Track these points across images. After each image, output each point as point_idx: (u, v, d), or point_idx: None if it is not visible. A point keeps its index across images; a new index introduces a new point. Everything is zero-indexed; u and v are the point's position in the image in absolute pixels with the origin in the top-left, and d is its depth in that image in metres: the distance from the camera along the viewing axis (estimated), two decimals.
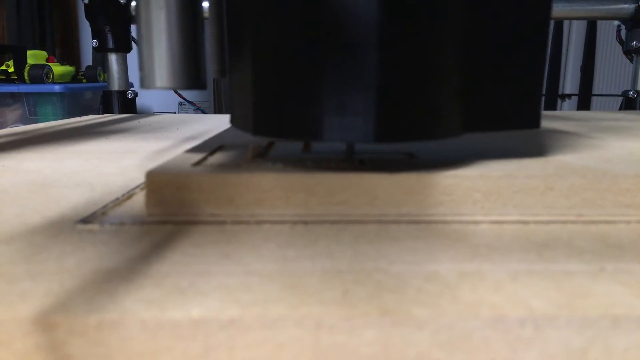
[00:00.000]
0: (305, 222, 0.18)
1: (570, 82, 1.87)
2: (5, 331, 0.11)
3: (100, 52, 0.67)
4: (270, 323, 0.11)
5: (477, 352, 0.11)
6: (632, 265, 0.14)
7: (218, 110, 1.82)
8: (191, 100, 0.91)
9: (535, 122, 0.21)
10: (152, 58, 0.19)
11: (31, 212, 0.19)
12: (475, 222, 0.18)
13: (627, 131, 0.37)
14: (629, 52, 0.71)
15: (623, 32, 0.72)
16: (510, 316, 0.11)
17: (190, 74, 0.19)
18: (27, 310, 0.11)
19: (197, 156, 0.22)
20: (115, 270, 0.13)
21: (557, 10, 0.69)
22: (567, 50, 1.86)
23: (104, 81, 1.53)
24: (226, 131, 0.34)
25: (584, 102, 1.87)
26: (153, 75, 0.19)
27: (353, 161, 0.21)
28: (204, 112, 0.98)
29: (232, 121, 0.22)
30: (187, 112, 1.57)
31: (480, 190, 0.18)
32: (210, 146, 0.25)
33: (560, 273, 0.13)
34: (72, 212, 0.19)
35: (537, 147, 0.25)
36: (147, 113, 0.69)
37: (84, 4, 0.65)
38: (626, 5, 0.68)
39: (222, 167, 0.20)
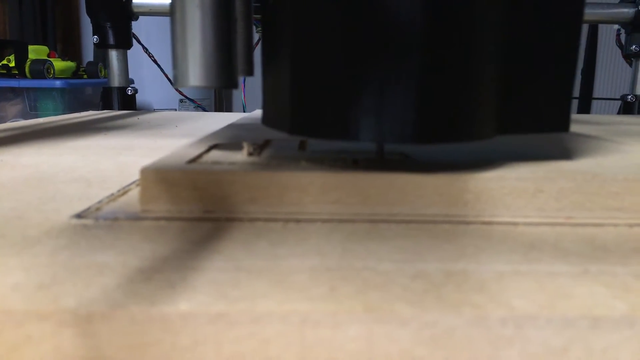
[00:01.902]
0: (298, 220, 0.18)
1: None
2: None
3: (101, 49, 0.67)
4: (256, 318, 0.11)
5: (459, 350, 0.11)
6: (615, 268, 0.14)
7: (218, 108, 1.82)
8: (191, 98, 0.92)
9: (564, 125, 0.22)
10: (186, 56, 0.19)
11: (27, 206, 0.19)
12: (466, 223, 0.18)
13: None
14: (628, 56, 0.71)
15: (623, 36, 0.72)
16: (491, 315, 0.11)
17: (224, 73, 0.20)
18: (18, 302, 0.11)
19: (193, 153, 0.22)
20: (107, 264, 0.13)
21: None
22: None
23: (105, 77, 1.53)
24: (223, 129, 0.34)
25: (585, 105, 1.87)
26: (187, 73, 0.19)
27: (346, 160, 0.21)
28: (204, 110, 0.99)
29: (264, 121, 0.23)
30: (187, 110, 1.58)
31: (471, 191, 0.19)
32: (206, 144, 0.25)
33: (545, 274, 0.13)
34: (67, 207, 0.19)
35: (538, 150, 0.25)
36: (147, 110, 0.69)
37: (86, 0, 0.65)
38: (626, 10, 0.68)
39: (217, 164, 0.20)
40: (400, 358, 0.11)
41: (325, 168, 0.19)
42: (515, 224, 0.18)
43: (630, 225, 0.18)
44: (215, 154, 0.22)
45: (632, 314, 0.11)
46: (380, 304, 0.12)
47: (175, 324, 0.11)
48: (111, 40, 0.66)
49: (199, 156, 0.22)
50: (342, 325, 0.11)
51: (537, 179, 0.18)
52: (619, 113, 0.73)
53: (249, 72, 0.25)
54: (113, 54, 0.68)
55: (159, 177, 0.18)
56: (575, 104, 1.89)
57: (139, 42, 0.70)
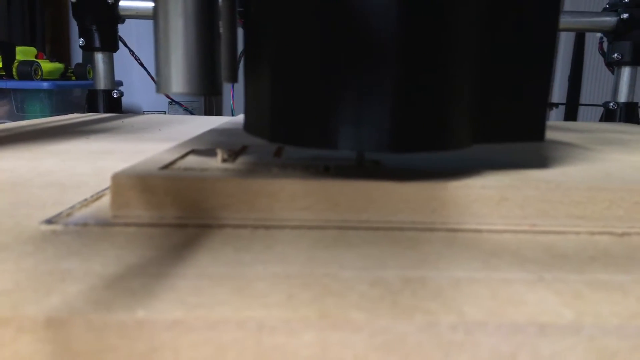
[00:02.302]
0: (267, 227, 0.18)
1: (558, 91, 1.90)
2: None
3: (87, 51, 0.67)
4: (213, 324, 0.11)
5: (411, 356, 0.12)
6: (570, 275, 0.14)
7: (208, 111, 1.82)
8: (179, 101, 0.91)
9: (539, 135, 0.22)
10: (169, 64, 0.19)
11: None
12: (431, 230, 0.18)
13: (626, 144, 0.38)
14: (610, 64, 0.73)
15: (606, 45, 0.74)
16: (442, 321, 0.12)
17: (206, 80, 0.20)
18: None
19: (167, 159, 0.22)
20: (70, 271, 0.14)
21: None
22: (555, 60, 1.88)
23: None
24: (204, 134, 0.34)
25: (571, 111, 1.89)
26: (170, 80, 0.20)
27: (318, 167, 0.21)
28: (192, 113, 0.99)
29: (245, 127, 0.23)
30: (176, 112, 1.57)
31: (438, 198, 0.19)
32: (184, 149, 0.25)
33: (499, 281, 0.14)
34: (39, 212, 0.19)
35: (514, 158, 0.25)
36: (132, 113, 0.69)
37: (72, 2, 0.65)
38: (608, 18, 0.69)
39: (189, 171, 0.20)
40: None
41: (296, 175, 0.20)
42: (479, 231, 0.18)
43: (592, 234, 0.18)
44: (190, 160, 0.23)
45: (579, 320, 0.12)
46: (335, 310, 0.12)
47: (131, 331, 0.11)
48: (97, 43, 0.66)
49: (173, 162, 0.22)
50: (297, 332, 0.11)
51: (502, 187, 0.19)
52: (601, 120, 0.74)
53: (234, 79, 0.26)
54: (99, 57, 0.68)
55: (130, 183, 0.19)
56: (561, 110, 1.91)
57: (125, 45, 0.70)
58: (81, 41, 0.66)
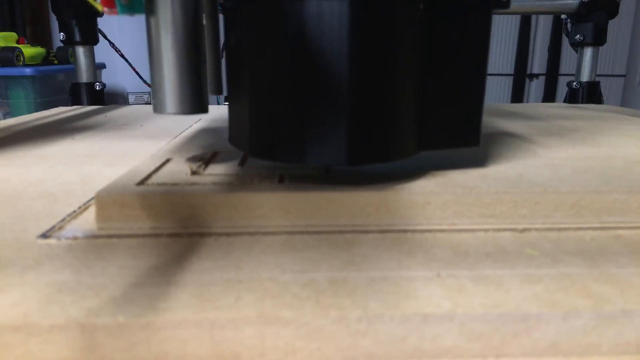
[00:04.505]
0: (228, 234, 0.22)
1: (538, 62, 1.92)
2: None
3: (68, 45, 0.69)
4: (176, 324, 0.15)
5: (327, 342, 0.15)
6: (463, 272, 0.18)
7: None
8: None
9: (475, 141, 0.26)
10: (163, 89, 0.23)
11: (1, 227, 0.22)
12: (366, 232, 0.22)
13: (566, 136, 0.42)
14: (574, 45, 0.76)
15: (570, 26, 0.76)
16: (350, 315, 0.15)
17: (195, 102, 0.24)
18: None
19: (144, 172, 0.25)
20: (65, 282, 0.17)
21: None
22: (535, 31, 1.90)
23: None
24: (180, 139, 0.37)
25: (551, 81, 1.93)
26: (164, 103, 0.24)
27: (273, 178, 0.25)
28: None
29: (230, 140, 0.27)
30: None
31: (372, 204, 0.23)
32: (159, 160, 0.29)
33: (405, 279, 0.17)
34: (34, 225, 0.23)
35: (453, 159, 0.29)
36: (114, 105, 0.71)
37: None
38: (570, 1, 0.72)
39: (161, 186, 0.23)
40: (285, 349, 0.15)
41: (253, 187, 0.23)
42: (405, 231, 0.22)
43: (498, 230, 0.22)
44: (165, 172, 0.26)
45: (453, 310, 0.15)
46: (270, 310, 0.16)
47: (114, 332, 0.15)
48: (77, 37, 0.68)
49: (149, 176, 0.25)
50: (240, 328, 0.15)
51: (425, 194, 0.23)
52: (565, 100, 0.77)
53: (219, 91, 0.29)
54: (80, 51, 0.70)
55: (111, 199, 0.22)
56: (542, 80, 1.94)
57: (105, 37, 0.72)
58: (62, 35, 0.68)
